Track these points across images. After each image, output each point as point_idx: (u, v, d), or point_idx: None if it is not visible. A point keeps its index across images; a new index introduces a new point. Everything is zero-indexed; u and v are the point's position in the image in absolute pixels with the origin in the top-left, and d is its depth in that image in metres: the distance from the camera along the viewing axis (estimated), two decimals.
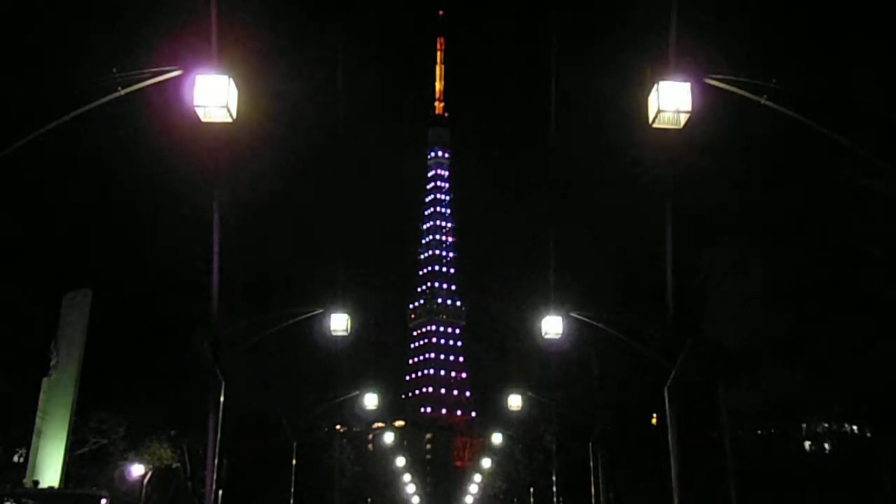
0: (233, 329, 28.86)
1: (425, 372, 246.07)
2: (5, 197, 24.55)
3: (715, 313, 28.77)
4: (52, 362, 29.07)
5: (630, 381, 37.17)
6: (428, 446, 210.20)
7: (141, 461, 37.40)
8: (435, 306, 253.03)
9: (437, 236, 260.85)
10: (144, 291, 32.47)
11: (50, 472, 27.84)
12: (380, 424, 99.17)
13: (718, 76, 14.51)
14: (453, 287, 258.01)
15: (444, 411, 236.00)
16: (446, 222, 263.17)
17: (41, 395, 28.77)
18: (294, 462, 45.08)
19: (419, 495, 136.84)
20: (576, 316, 30.53)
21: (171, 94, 14.74)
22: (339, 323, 30.49)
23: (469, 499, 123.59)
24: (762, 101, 14.21)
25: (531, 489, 65.79)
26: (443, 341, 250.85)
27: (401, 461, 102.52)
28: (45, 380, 28.94)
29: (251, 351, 30.62)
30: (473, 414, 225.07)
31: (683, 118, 14.26)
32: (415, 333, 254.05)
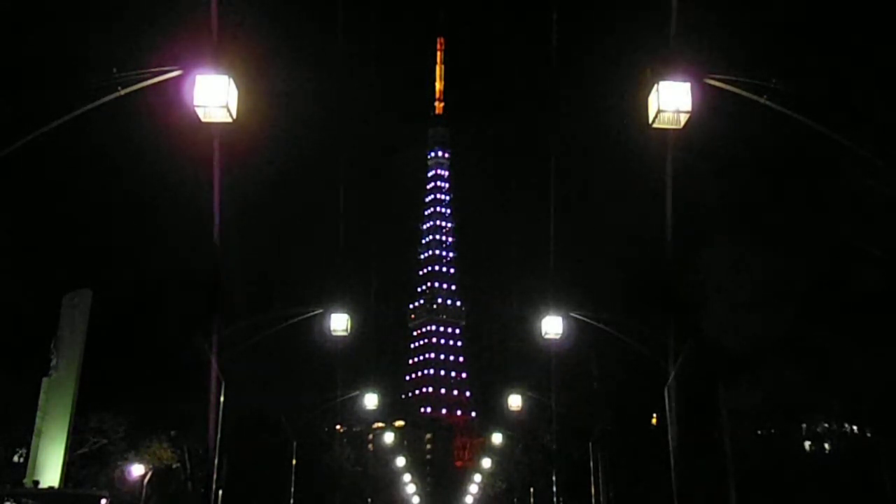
0: (233, 329, 28.86)
1: (425, 372, 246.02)
2: (6, 197, 24.57)
3: (715, 313, 28.74)
4: (52, 362, 29.08)
5: (630, 381, 37.17)
6: (428, 446, 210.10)
7: (141, 461, 37.42)
8: (435, 306, 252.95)
9: (437, 236, 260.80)
10: (144, 291, 32.50)
11: (50, 472, 27.85)
12: (380, 424, 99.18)
13: (718, 76, 14.51)
14: (453, 287, 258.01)
15: (444, 411, 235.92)
16: (446, 222, 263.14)
17: (41, 395, 28.78)
18: (294, 462, 45.08)
19: (419, 495, 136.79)
20: (576, 316, 30.51)
21: (171, 94, 14.74)
22: (339, 323, 30.46)
23: (469, 499, 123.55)
24: (762, 101, 14.21)
25: (531, 489, 65.79)
26: (443, 341, 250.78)
27: (401, 461, 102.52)
28: (45, 380, 28.96)
29: (251, 351, 30.62)
30: (473, 414, 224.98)
31: (683, 118, 14.26)
32: (415, 333, 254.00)
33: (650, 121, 14.43)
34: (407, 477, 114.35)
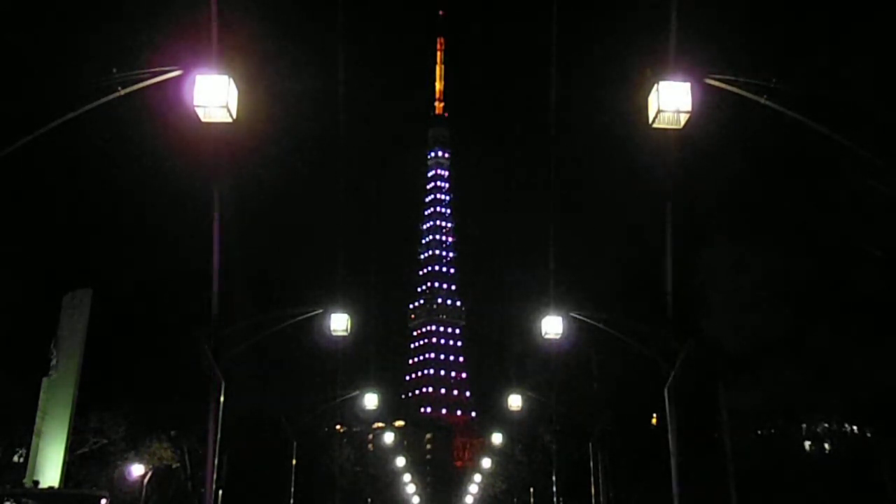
0: (233, 329, 28.85)
1: (425, 372, 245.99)
2: (5, 197, 24.57)
3: (715, 313, 28.73)
4: (52, 362, 29.08)
5: (630, 381, 37.15)
6: (428, 446, 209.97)
7: (141, 461, 37.40)
8: (435, 306, 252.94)
9: (437, 236, 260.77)
10: (144, 291, 32.48)
11: (50, 472, 27.86)
12: (380, 424, 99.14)
13: (718, 76, 14.52)
14: (453, 287, 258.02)
15: (444, 411, 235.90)
16: (446, 222, 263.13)
17: (41, 395, 28.78)
18: (294, 462, 45.07)
19: (419, 495, 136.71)
20: (576, 316, 30.51)
21: (171, 94, 14.75)
22: (339, 323, 30.46)
23: (469, 499, 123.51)
24: (762, 101, 14.21)
25: (531, 489, 65.77)
26: (443, 341, 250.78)
27: (401, 461, 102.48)
28: (45, 380, 28.95)
29: (251, 351, 30.61)
30: (473, 414, 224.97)
31: (683, 118, 14.27)
32: (415, 333, 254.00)
33: (650, 121, 14.43)
34: (407, 477, 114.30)
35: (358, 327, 35.98)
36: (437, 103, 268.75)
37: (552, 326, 29.80)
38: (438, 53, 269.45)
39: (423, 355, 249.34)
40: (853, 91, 20.16)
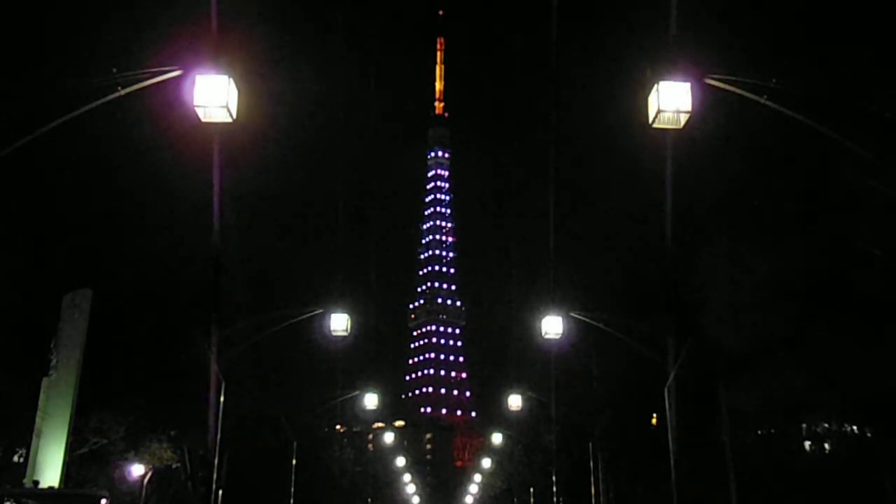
0: (233, 329, 28.88)
1: (425, 372, 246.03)
2: (5, 197, 24.56)
3: (715, 313, 28.72)
4: (52, 362, 29.02)
5: (630, 381, 37.15)
6: (428, 446, 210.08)
7: (141, 461, 37.36)
8: (435, 306, 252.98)
9: (437, 236, 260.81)
10: (144, 291, 32.44)
11: (50, 472, 27.80)
12: (380, 424, 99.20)
13: (718, 76, 14.51)
14: (453, 287, 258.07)
15: (444, 411, 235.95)
16: (446, 222, 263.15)
17: (41, 395, 28.72)
18: (294, 462, 45.08)
19: (419, 495, 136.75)
20: (576, 316, 30.57)
21: (171, 94, 14.74)
22: (339, 323, 30.50)
23: (469, 499, 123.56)
24: (762, 101, 14.21)
25: (531, 489, 65.80)
26: (443, 341, 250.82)
27: (401, 461, 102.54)
28: (45, 380, 28.89)
29: (251, 351, 30.62)
30: (473, 414, 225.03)
31: (683, 118, 14.26)
32: (415, 333, 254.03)
33: (650, 121, 14.43)
34: (407, 477, 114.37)
35: (358, 327, 36.07)
36: (437, 103, 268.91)
37: (552, 326, 29.84)
38: (438, 53, 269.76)
39: (424, 355, 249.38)
40: (853, 90, 20.16)
